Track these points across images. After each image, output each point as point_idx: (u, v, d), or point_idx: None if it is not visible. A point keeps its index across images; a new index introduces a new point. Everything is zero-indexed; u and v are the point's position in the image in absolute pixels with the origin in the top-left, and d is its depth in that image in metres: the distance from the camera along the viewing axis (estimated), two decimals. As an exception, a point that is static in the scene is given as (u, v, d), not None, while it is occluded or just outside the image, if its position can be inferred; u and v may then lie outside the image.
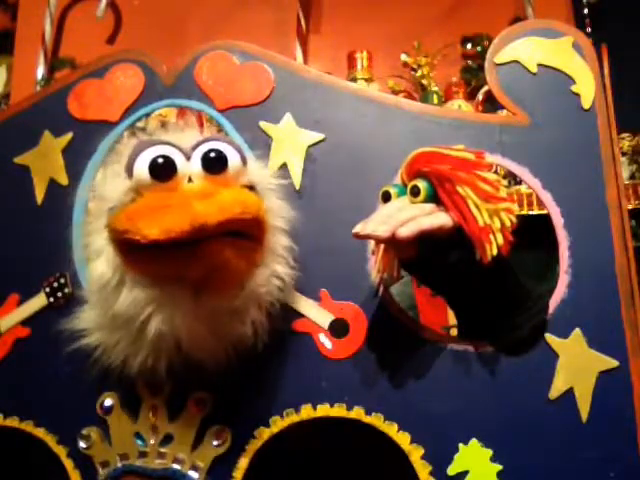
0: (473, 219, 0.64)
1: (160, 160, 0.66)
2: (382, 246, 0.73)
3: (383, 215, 0.65)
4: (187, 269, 0.64)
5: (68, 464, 0.78)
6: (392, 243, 0.65)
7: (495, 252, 0.63)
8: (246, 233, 0.66)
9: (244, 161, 0.70)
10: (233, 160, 0.68)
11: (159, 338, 0.67)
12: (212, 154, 0.67)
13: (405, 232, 0.62)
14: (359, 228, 0.64)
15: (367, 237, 0.64)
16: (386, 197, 0.69)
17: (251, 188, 0.69)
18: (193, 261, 0.63)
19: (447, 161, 0.66)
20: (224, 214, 0.61)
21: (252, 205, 0.64)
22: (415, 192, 0.66)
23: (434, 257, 0.68)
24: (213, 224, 0.60)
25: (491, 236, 0.63)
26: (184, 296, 0.66)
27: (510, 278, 0.72)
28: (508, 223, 0.64)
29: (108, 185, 0.71)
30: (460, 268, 0.68)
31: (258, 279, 0.69)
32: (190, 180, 0.67)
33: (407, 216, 0.63)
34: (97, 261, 0.70)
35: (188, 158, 0.68)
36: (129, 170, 0.67)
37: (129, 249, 0.64)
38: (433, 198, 0.66)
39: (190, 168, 0.67)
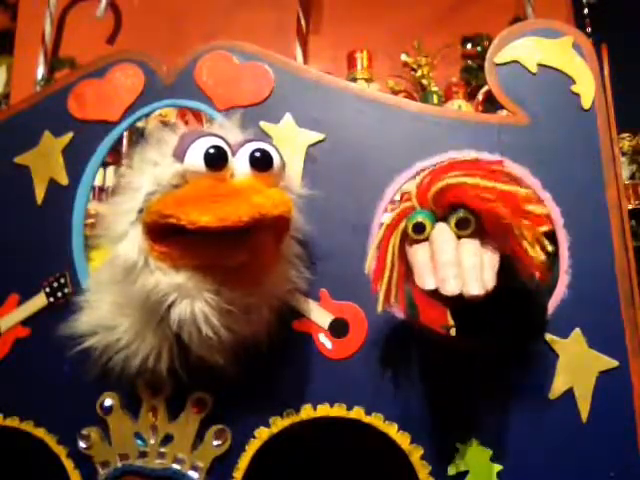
0: (525, 253, 0.60)
1: (214, 151, 0.68)
2: (396, 276, 0.65)
3: (449, 263, 0.58)
4: (230, 258, 0.66)
5: (68, 464, 0.78)
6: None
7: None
8: (277, 232, 0.68)
9: (283, 165, 0.72)
10: (277, 162, 0.70)
11: (180, 326, 0.67)
12: (259, 153, 0.69)
13: (482, 291, 0.56)
14: (434, 284, 0.57)
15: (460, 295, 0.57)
16: (419, 228, 0.62)
17: (286, 188, 0.72)
18: (240, 250, 0.65)
19: (494, 194, 0.60)
20: (278, 209, 0.63)
21: (291, 207, 0.66)
22: (463, 225, 0.60)
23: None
24: (271, 216, 0.62)
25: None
26: (208, 287, 0.66)
27: (508, 283, 0.72)
28: (548, 248, 0.61)
29: (146, 171, 0.71)
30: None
31: (274, 279, 0.71)
32: (232, 176, 0.69)
33: (474, 265, 0.58)
34: (119, 244, 0.70)
35: (233, 154, 0.69)
36: (180, 156, 0.68)
37: (165, 234, 0.65)
38: (477, 229, 0.61)
39: (235, 164, 0.69)
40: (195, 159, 0.68)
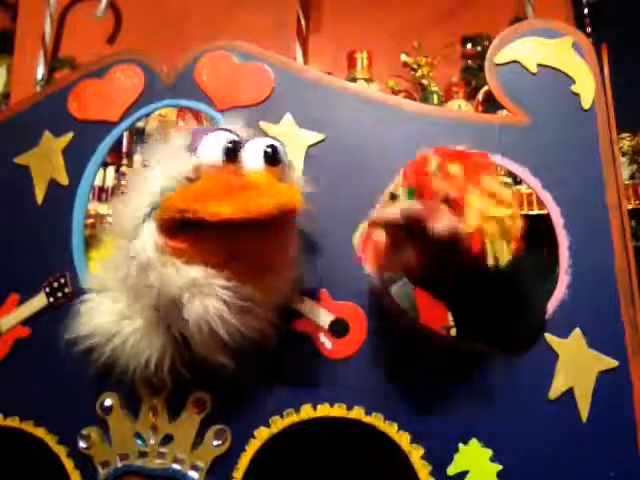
0: (467, 220, 0.62)
1: (231, 144, 0.69)
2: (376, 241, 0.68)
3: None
4: (253, 248, 0.66)
5: (68, 464, 0.78)
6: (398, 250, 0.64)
7: (500, 261, 0.62)
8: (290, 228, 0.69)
9: (290, 161, 0.74)
10: (284, 158, 0.72)
11: (194, 323, 0.66)
12: (271, 149, 0.70)
13: (442, 228, 0.59)
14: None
15: (383, 221, 0.63)
16: (393, 198, 0.69)
17: (294, 184, 0.72)
18: (266, 240, 0.66)
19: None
20: (297, 202, 0.64)
21: (300, 201, 0.66)
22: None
23: (442, 270, 0.66)
24: (293, 209, 0.63)
25: (488, 242, 0.62)
26: (223, 283, 0.66)
27: (514, 280, 0.72)
28: (518, 229, 0.63)
29: (158, 166, 0.71)
30: (465, 278, 0.66)
31: (284, 276, 0.71)
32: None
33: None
34: (133, 241, 0.69)
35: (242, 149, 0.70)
36: (194, 150, 0.69)
37: (180, 230, 0.65)
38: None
39: (245, 159, 0.70)
40: (211, 152, 0.68)
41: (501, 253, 0.62)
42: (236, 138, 0.70)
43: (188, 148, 0.70)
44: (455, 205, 0.63)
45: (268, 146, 0.70)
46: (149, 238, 0.67)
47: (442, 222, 0.59)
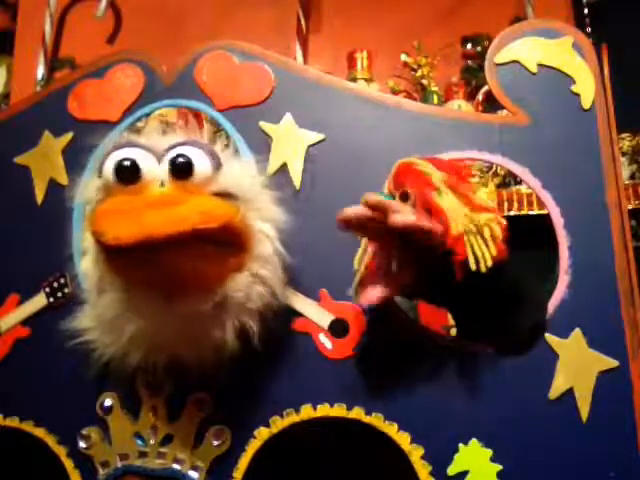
0: (448, 228, 0.63)
1: (126, 163, 0.66)
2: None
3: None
4: (143, 276, 0.65)
5: (68, 464, 0.78)
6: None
7: (486, 264, 0.63)
8: (220, 241, 0.65)
9: (216, 167, 0.69)
10: (201, 166, 0.67)
11: (132, 341, 0.68)
12: (179, 159, 0.67)
13: (400, 218, 0.60)
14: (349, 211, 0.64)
15: (357, 218, 0.64)
16: None
17: (226, 195, 0.68)
18: (147, 268, 0.64)
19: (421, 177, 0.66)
20: (175, 226, 0.60)
21: (219, 215, 0.64)
22: (404, 198, 0.65)
23: (433, 281, 0.67)
24: (160, 236, 0.60)
25: (470, 247, 0.63)
26: (154, 301, 0.66)
27: (513, 281, 0.72)
28: (497, 233, 0.64)
29: (86, 183, 0.72)
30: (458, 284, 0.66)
31: (235, 284, 0.68)
32: (162, 184, 0.67)
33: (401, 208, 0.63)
34: (84, 260, 0.72)
35: (160, 162, 0.68)
36: (99, 170, 0.68)
37: (104, 250, 0.64)
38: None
39: (161, 172, 0.67)
40: (108, 173, 0.66)
41: (481, 257, 0.63)
42: (137, 155, 0.66)
43: (97, 167, 0.68)
44: (435, 212, 0.64)
45: (177, 157, 0.67)
46: (93, 258, 0.69)
47: (403, 216, 0.60)
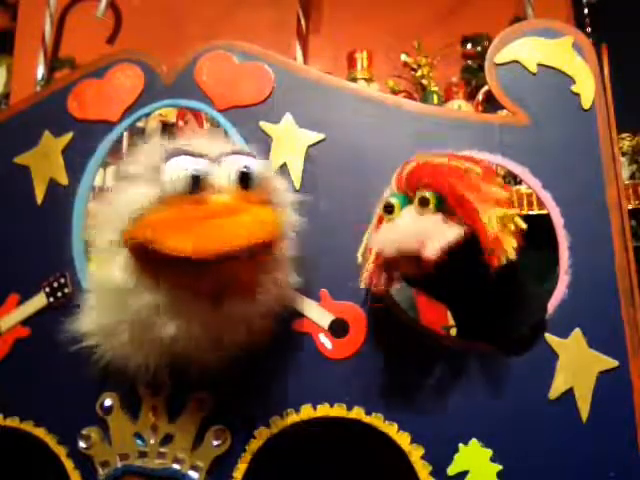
0: (484, 228, 0.63)
1: (193, 173, 0.66)
2: (373, 258, 0.70)
3: (400, 231, 0.64)
4: (201, 284, 0.66)
5: (68, 464, 0.78)
6: (403, 260, 0.64)
7: (509, 257, 0.63)
8: (269, 248, 0.67)
9: (269, 177, 0.71)
10: (260, 176, 0.69)
11: (173, 344, 0.68)
12: (244, 169, 0.68)
13: (434, 251, 0.60)
14: (378, 248, 0.63)
15: (398, 254, 0.62)
16: (389, 208, 0.67)
17: (272, 203, 0.70)
18: (208, 277, 0.65)
19: (452, 173, 0.65)
20: (251, 239, 0.62)
21: (274, 228, 0.65)
22: (424, 203, 0.65)
23: (448, 273, 0.65)
24: (241, 249, 0.61)
25: (504, 243, 0.62)
26: (201, 305, 0.67)
27: (514, 280, 0.72)
28: (522, 226, 0.64)
29: (123, 189, 0.70)
30: (470, 279, 0.67)
31: (266, 287, 0.70)
32: (217, 191, 0.67)
33: (426, 230, 0.62)
34: (104, 264, 0.71)
35: (216, 169, 0.68)
36: (157, 175, 0.67)
37: (148, 257, 0.64)
38: (441, 208, 0.65)
39: (218, 180, 0.67)
40: (173, 180, 0.66)
41: (509, 251, 0.63)
42: (200, 166, 0.67)
43: (152, 172, 0.68)
44: (467, 210, 0.63)
45: (241, 166, 0.68)
46: (121, 263, 0.68)
47: (432, 251, 0.60)
